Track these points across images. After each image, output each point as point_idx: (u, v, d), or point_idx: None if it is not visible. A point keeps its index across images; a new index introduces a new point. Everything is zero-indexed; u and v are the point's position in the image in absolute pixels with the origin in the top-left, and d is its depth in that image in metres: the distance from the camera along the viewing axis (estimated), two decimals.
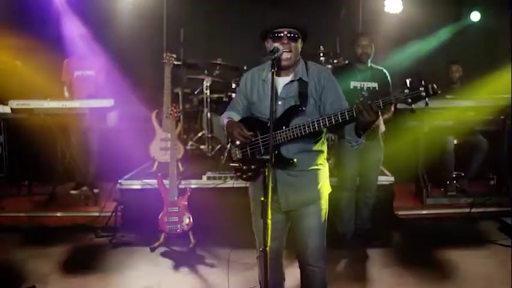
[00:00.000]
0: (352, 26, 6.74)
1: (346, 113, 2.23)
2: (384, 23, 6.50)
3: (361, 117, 2.19)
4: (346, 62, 5.71)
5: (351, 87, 4.08)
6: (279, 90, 2.46)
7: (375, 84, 4.12)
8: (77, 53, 5.51)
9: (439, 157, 5.19)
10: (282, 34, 2.38)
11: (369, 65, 4.18)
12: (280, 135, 2.39)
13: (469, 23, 6.70)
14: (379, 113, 2.21)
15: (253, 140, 2.49)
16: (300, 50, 2.46)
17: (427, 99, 2.16)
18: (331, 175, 2.71)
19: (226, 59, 6.21)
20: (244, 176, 2.58)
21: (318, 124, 2.29)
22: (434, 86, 2.13)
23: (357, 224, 4.35)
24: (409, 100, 2.17)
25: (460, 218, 4.81)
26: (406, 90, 2.16)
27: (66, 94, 5.53)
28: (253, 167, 2.53)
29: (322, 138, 2.55)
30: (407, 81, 2.16)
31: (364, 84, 4.09)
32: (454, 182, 5.20)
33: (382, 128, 4.13)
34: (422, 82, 2.14)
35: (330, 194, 2.61)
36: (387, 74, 4.19)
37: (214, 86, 6.22)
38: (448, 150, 5.15)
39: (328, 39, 6.42)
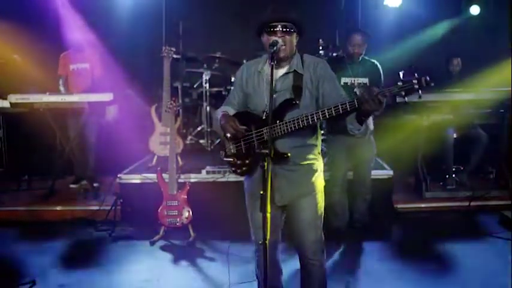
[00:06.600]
0: (351, 19, 6.72)
1: (348, 104, 2.19)
2: (383, 16, 6.48)
3: (366, 106, 2.15)
4: (334, 54, 5.65)
5: (342, 83, 4.02)
6: (274, 83, 2.44)
7: (366, 80, 4.08)
8: (73, 46, 5.47)
9: (438, 150, 5.17)
10: (276, 28, 2.37)
11: (360, 59, 4.12)
12: (275, 130, 2.36)
13: (468, 16, 6.67)
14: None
15: (246, 134, 2.48)
16: (295, 43, 2.45)
17: (420, 91, 2.15)
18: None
19: (226, 52, 6.19)
20: (239, 171, 2.57)
21: (317, 116, 2.26)
22: (427, 78, 2.11)
23: (355, 218, 4.36)
24: (403, 93, 2.16)
25: (459, 212, 4.80)
26: (400, 83, 2.15)
27: (62, 88, 5.46)
28: (247, 161, 2.52)
29: (317, 132, 2.54)
30: (400, 73, 2.15)
31: (355, 80, 4.06)
32: (454, 175, 5.18)
33: (371, 127, 4.12)
34: (416, 74, 2.12)
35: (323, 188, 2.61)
36: (379, 67, 4.14)
37: (214, 79, 6.21)
38: (448, 144, 5.14)
39: (328, 32, 6.40)
